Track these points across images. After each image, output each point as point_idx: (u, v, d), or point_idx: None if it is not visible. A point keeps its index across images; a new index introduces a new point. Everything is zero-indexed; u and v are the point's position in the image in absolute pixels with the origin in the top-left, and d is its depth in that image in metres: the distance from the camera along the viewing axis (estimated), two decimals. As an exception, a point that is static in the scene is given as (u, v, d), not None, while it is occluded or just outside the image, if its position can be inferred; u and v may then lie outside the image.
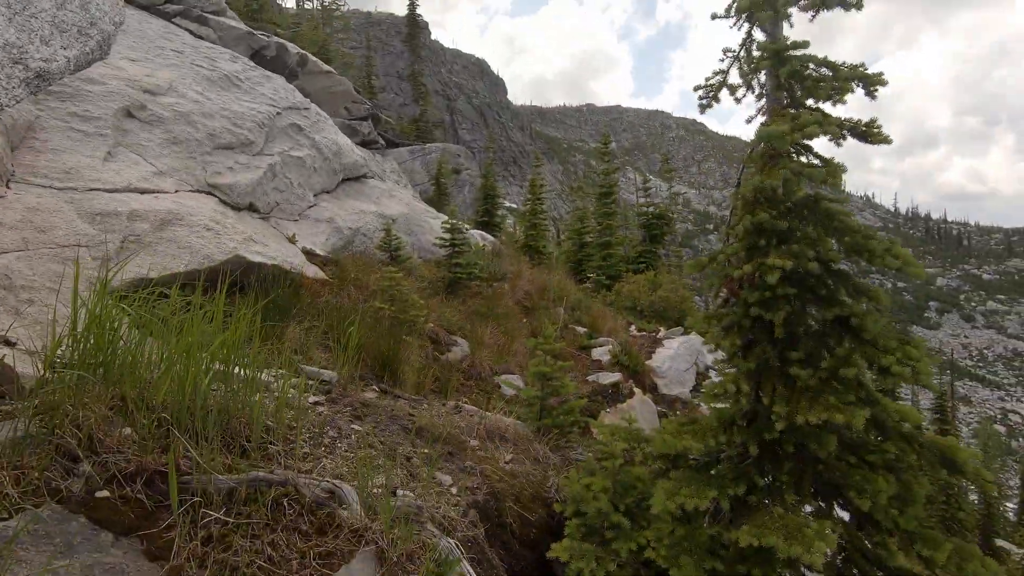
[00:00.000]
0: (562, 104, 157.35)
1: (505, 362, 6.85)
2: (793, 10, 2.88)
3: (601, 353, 8.58)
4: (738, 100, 3.27)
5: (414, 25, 44.51)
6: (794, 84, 2.94)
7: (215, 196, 6.00)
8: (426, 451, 3.06)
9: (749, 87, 3.21)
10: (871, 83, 2.64)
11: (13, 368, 2.20)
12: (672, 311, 12.90)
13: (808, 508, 2.74)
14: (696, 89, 3.45)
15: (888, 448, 2.61)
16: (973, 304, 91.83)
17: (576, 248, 18.89)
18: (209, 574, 1.76)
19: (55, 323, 1.97)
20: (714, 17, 3.25)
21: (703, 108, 3.53)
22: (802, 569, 2.36)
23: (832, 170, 2.46)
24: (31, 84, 3.25)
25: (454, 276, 8.55)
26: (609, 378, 7.62)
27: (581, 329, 9.47)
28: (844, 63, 2.71)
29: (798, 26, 3.07)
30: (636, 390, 7.54)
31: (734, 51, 3.26)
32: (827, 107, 2.91)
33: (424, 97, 39.67)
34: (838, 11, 2.99)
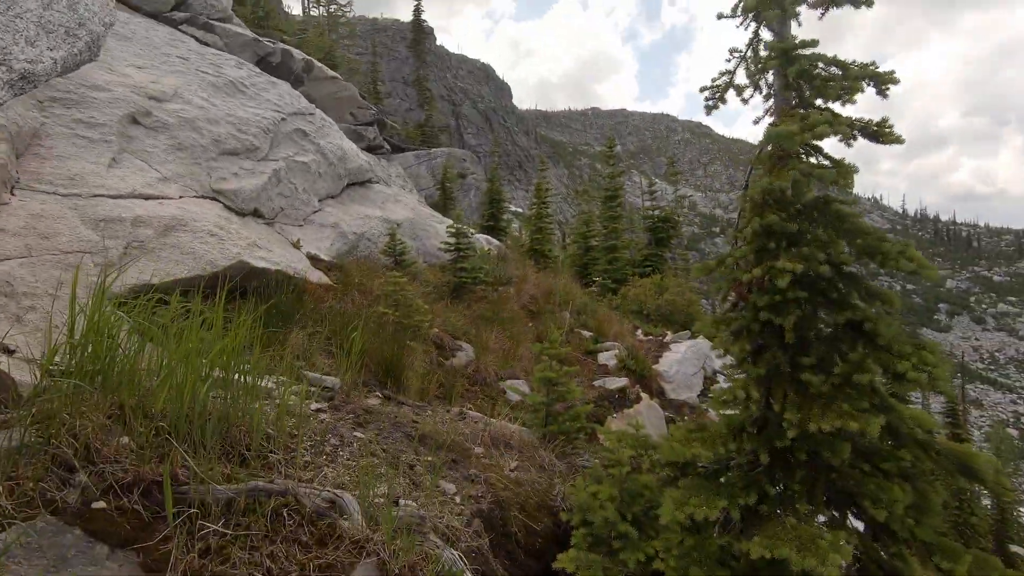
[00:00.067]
0: (567, 108, 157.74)
1: (510, 367, 6.80)
2: (801, 8, 2.83)
3: (607, 357, 8.50)
4: (745, 101, 3.22)
5: (419, 31, 44.74)
6: (802, 84, 2.89)
7: (220, 202, 6.00)
8: (430, 459, 3.01)
9: (756, 87, 3.15)
10: (883, 81, 2.58)
11: (10, 376, 2.18)
12: (679, 315, 12.81)
13: (821, 518, 2.67)
14: (702, 90, 3.40)
15: (903, 455, 2.54)
16: (984, 306, 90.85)
17: (582, 252, 18.83)
18: (206, 588, 1.72)
19: (51, 331, 1.94)
20: (720, 17, 3.20)
21: (709, 109, 3.47)
22: (816, 581, 2.29)
23: (843, 171, 2.40)
24: (15, 86, 3.22)
25: (459, 280, 8.52)
26: (616, 383, 7.55)
27: (587, 333, 9.40)
28: (854, 62, 2.65)
29: (806, 25, 3.02)
30: (643, 395, 7.47)
31: (741, 51, 3.21)
32: (836, 107, 2.86)
33: (429, 102, 39.82)
34: (846, 10, 2.93)
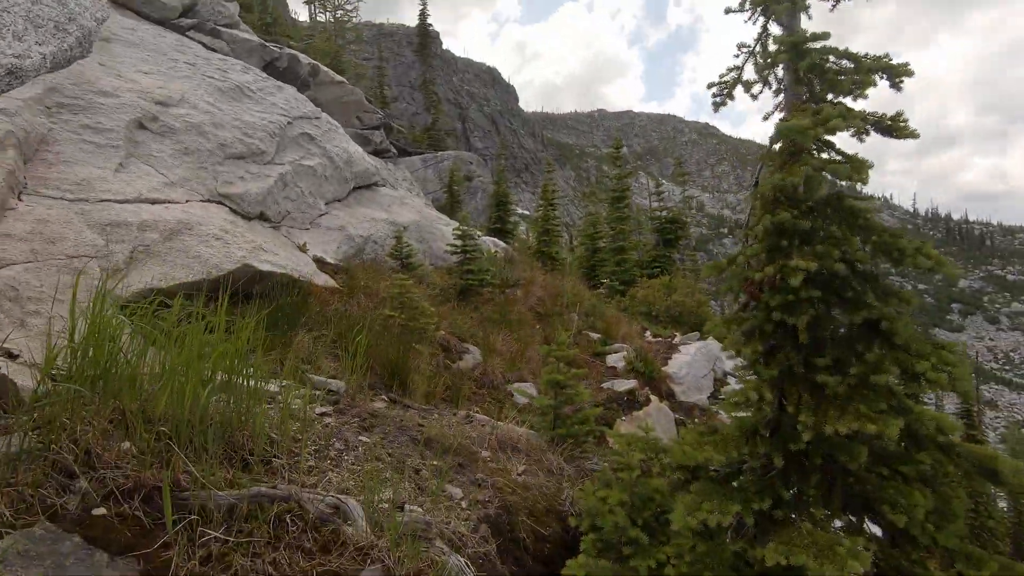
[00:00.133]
0: (573, 110, 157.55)
1: (518, 370, 6.74)
2: (811, 0, 2.77)
3: (616, 359, 8.43)
4: (754, 96, 3.15)
5: (425, 35, 44.91)
6: (813, 78, 2.82)
7: (226, 206, 6.01)
8: (436, 463, 2.97)
9: (765, 83, 3.09)
10: (896, 74, 2.52)
11: (11, 381, 2.16)
12: (688, 316, 12.70)
13: (837, 523, 2.60)
14: (710, 86, 3.34)
15: (922, 459, 2.46)
16: (997, 306, 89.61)
17: (589, 253, 18.77)
18: (206, 596, 1.68)
19: (50, 335, 1.92)
20: (728, 12, 3.14)
21: (717, 106, 3.41)
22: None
23: (857, 166, 2.33)
24: (1, 81, 3.20)
25: (466, 283, 8.48)
26: (624, 385, 7.48)
27: (595, 335, 9.34)
28: (867, 54, 2.58)
29: (816, 18, 2.95)
30: (652, 397, 7.39)
31: (749, 46, 3.15)
32: (847, 102, 2.79)
33: (436, 106, 39.95)
34: (858, 2, 2.87)
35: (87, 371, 2.07)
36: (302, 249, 6.73)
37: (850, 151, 2.67)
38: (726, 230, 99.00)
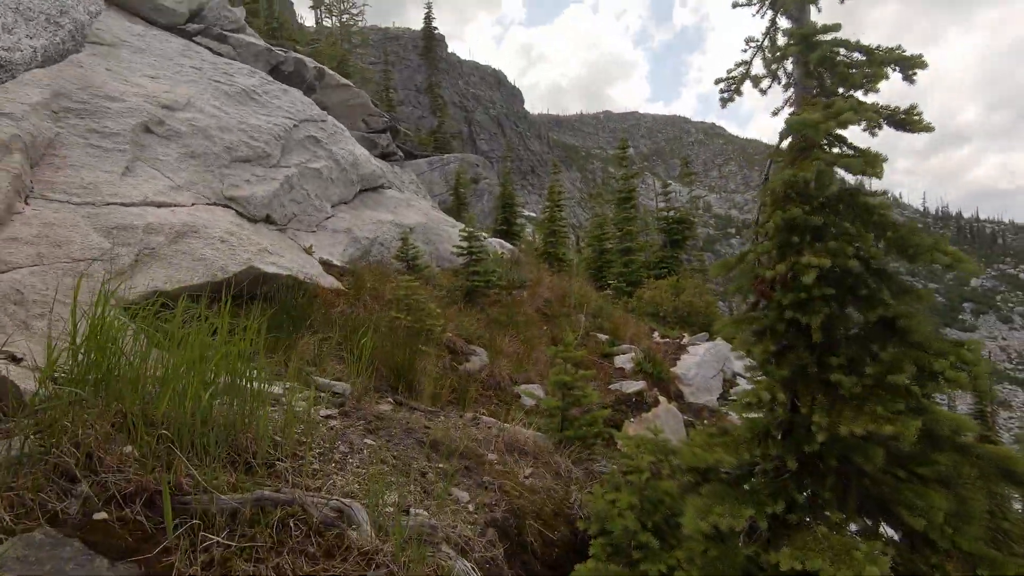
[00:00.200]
0: (579, 112, 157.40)
1: (525, 371, 6.70)
2: (822, -9, 2.72)
3: (624, 361, 8.37)
4: (763, 91, 3.10)
5: (431, 39, 45.07)
6: (823, 72, 2.77)
7: (232, 208, 6.01)
8: (442, 466, 2.93)
9: (774, 77, 3.04)
10: (910, 66, 2.46)
11: (13, 383, 2.14)
12: (696, 316, 12.61)
13: (852, 527, 2.53)
14: (717, 82, 3.29)
15: (940, 460, 2.39)
16: (1010, 305, 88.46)
17: (596, 255, 18.71)
18: (208, 602, 1.65)
19: (50, 337, 1.90)
20: (735, 5, 3.09)
21: (725, 102, 3.36)
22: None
23: (871, 160, 2.27)
24: None
25: (472, 284, 8.45)
26: (632, 386, 7.41)
27: (603, 336, 9.27)
28: (879, 46, 2.52)
29: (825, 11, 2.89)
30: (661, 398, 7.32)
31: (757, 40, 3.10)
32: (858, 96, 2.73)
33: (442, 109, 40.04)
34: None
35: (89, 374, 2.05)
36: (308, 251, 6.72)
37: (861, 147, 2.61)
38: (733, 230, 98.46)
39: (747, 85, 3.25)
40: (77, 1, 3.94)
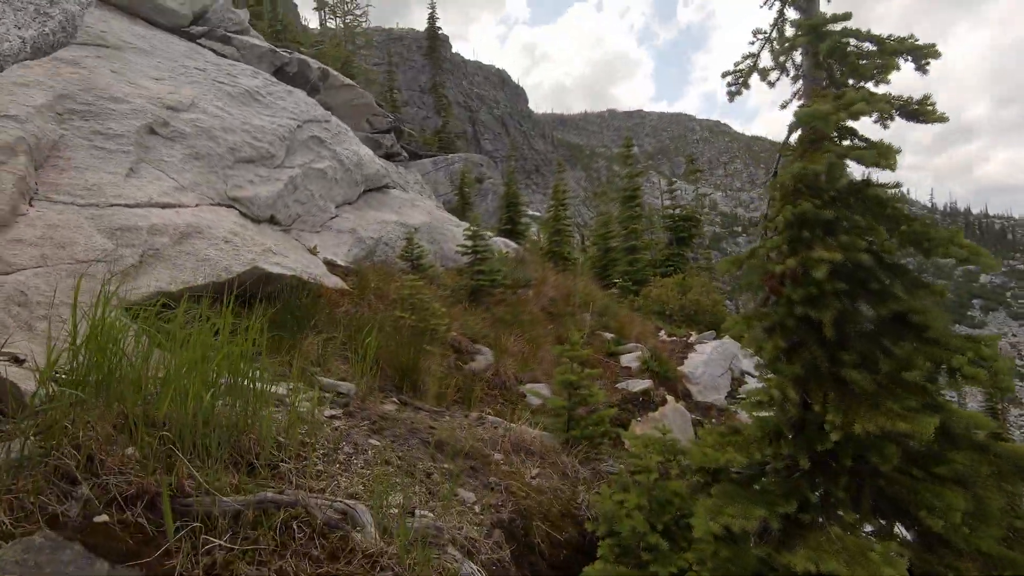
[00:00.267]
0: (583, 111, 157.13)
1: (531, 370, 6.66)
2: (830, -18, 2.66)
3: (630, 359, 8.31)
4: (771, 84, 3.05)
5: (434, 39, 45.07)
6: (833, 63, 2.71)
7: (236, 209, 6.00)
8: (447, 466, 2.89)
9: (782, 69, 2.98)
10: (923, 56, 2.40)
11: (14, 385, 2.13)
12: (703, 315, 12.53)
13: (867, 527, 2.47)
14: (724, 75, 3.24)
15: (957, 459, 2.34)
16: (1021, 301, 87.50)
17: (601, 253, 18.64)
18: (209, 607, 1.62)
19: (50, 338, 1.88)
20: (743, -3, 3.04)
21: (732, 95, 3.31)
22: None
23: (883, 151, 2.22)
24: None
25: (477, 283, 8.41)
26: (639, 385, 7.36)
27: (608, 335, 9.22)
28: (891, 35, 2.47)
29: (834, 2, 2.84)
30: (668, 397, 7.25)
31: (765, 32, 3.05)
32: (869, 87, 2.68)
33: (446, 109, 40.04)
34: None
35: (90, 375, 2.03)
36: (312, 252, 6.71)
37: (876, 137, 2.55)
38: (740, 228, 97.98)
39: (755, 78, 3.20)
40: (68, -9, 3.92)
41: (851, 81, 2.67)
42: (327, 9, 30.98)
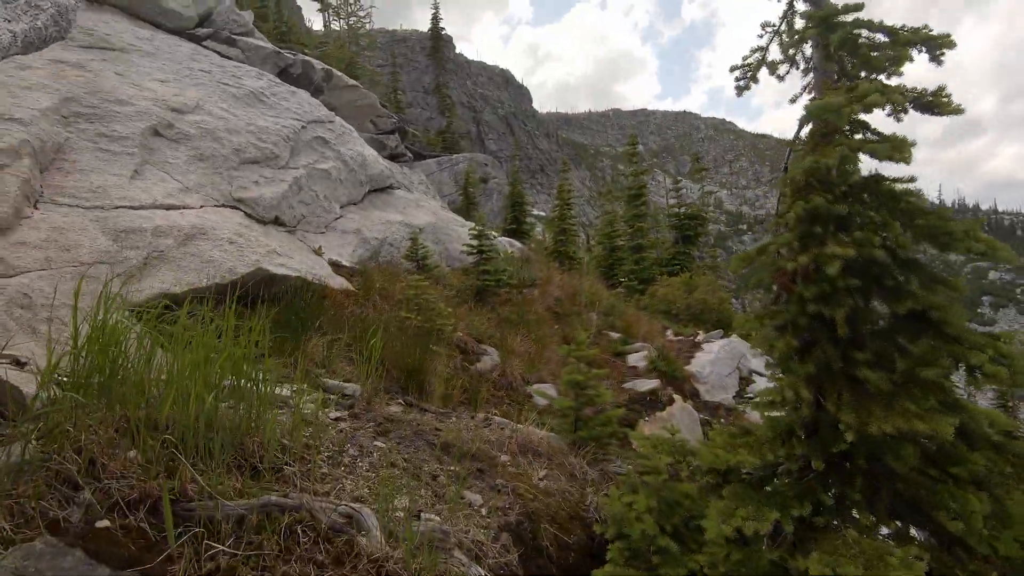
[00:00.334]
0: (588, 110, 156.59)
1: (537, 371, 6.61)
2: (842, -28, 2.60)
3: (637, 359, 8.25)
4: (780, 78, 3.00)
5: (438, 40, 45.12)
6: (844, 55, 2.65)
7: (240, 210, 5.99)
8: (453, 468, 2.85)
9: (792, 62, 2.93)
10: (937, 46, 2.34)
11: (16, 388, 2.10)
12: (710, 313, 12.44)
13: (883, 530, 2.42)
14: (732, 70, 3.19)
15: (975, 460, 2.27)
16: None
17: (607, 252, 18.57)
18: (210, 614, 1.59)
19: (50, 340, 1.86)
20: (751, -10, 2.99)
21: (740, 90, 3.26)
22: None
23: (898, 144, 2.16)
24: None
25: (482, 283, 8.38)
26: (646, 385, 7.30)
27: (615, 335, 9.16)
28: (904, 26, 2.41)
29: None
30: (676, 397, 7.19)
31: (774, 25, 2.99)
32: (882, 79, 2.62)
33: (450, 109, 40.08)
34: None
35: (92, 377, 2.00)
36: (317, 252, 6.69)
37: (889, 130, 2.49)
38: (745, 226, 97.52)
39: (763, 73, 3.15)
40: (61, -17, 3.89)
41: (863, 73, 2.61)
42: (331, 11, 31.05)
